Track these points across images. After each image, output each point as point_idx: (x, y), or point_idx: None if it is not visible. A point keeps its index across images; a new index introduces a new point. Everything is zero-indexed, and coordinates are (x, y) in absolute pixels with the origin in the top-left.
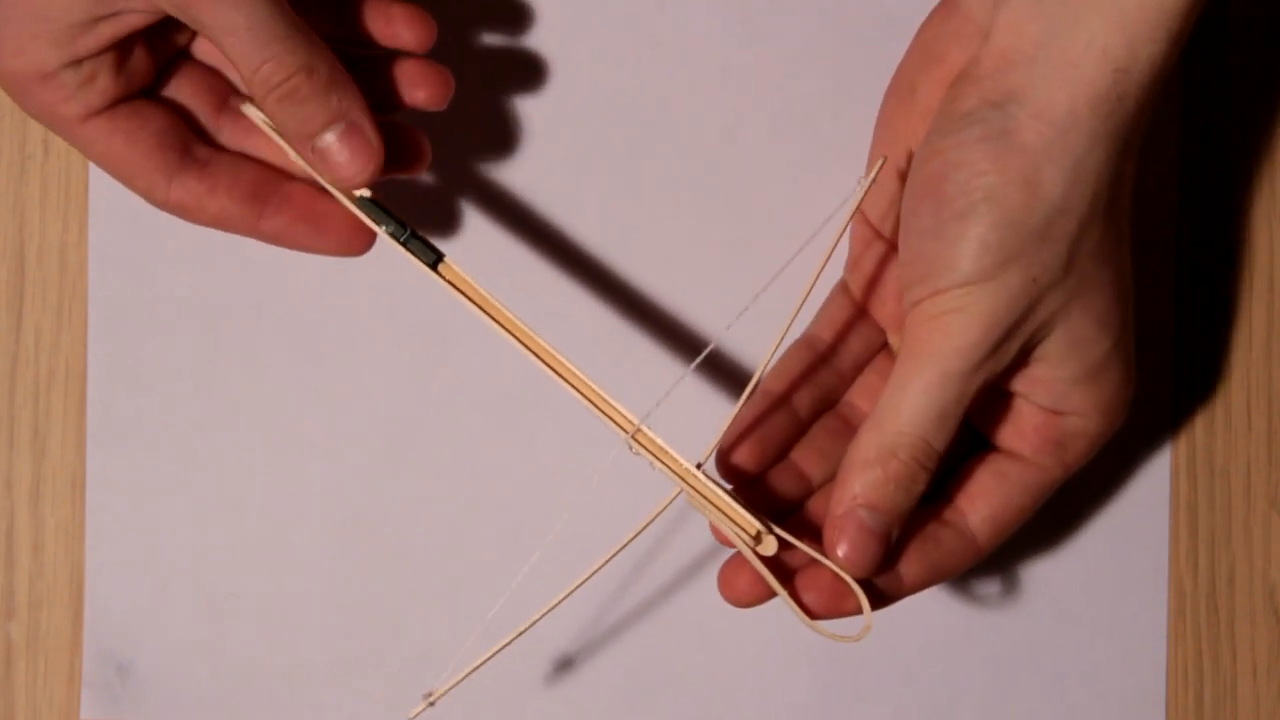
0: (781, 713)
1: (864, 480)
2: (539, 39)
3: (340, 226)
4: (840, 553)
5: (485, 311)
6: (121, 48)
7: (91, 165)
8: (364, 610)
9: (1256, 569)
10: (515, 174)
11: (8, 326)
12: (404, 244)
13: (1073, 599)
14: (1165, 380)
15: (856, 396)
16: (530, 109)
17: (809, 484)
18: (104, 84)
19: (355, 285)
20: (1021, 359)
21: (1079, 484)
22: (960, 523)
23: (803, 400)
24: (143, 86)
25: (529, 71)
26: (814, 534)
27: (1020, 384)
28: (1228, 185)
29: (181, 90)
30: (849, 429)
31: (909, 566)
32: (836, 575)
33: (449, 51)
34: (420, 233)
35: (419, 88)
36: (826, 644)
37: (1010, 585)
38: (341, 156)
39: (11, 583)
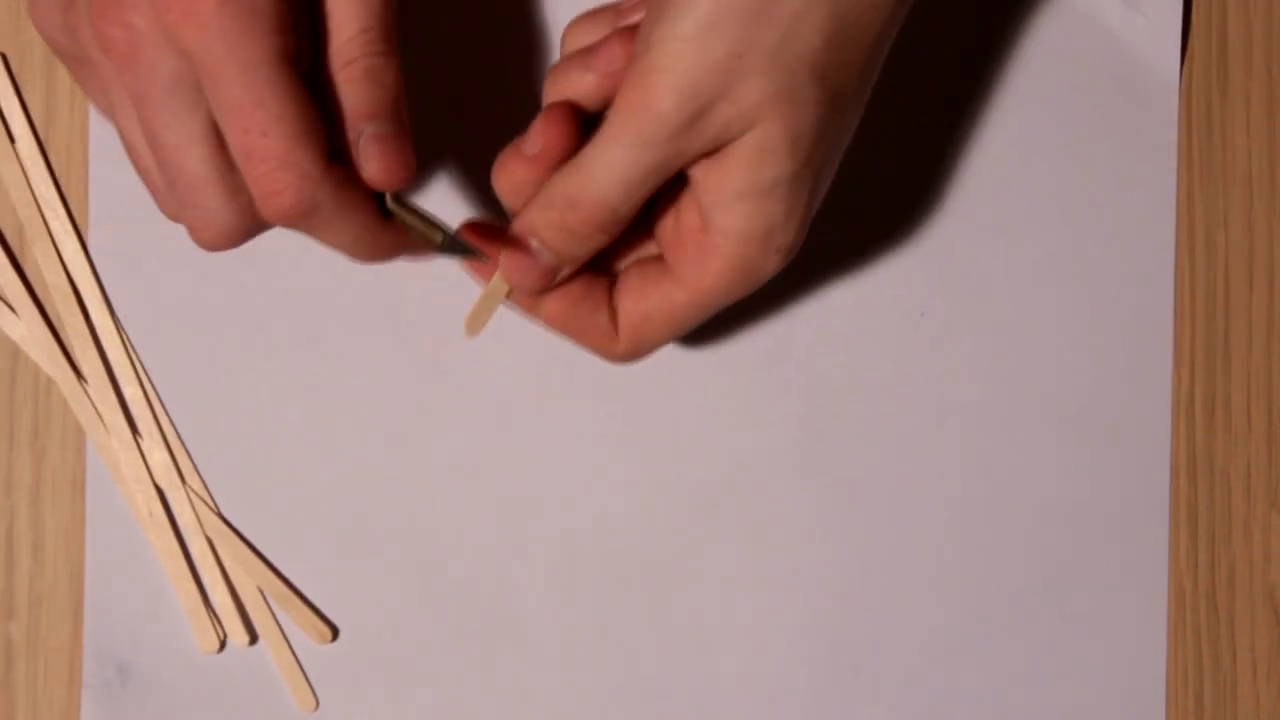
0: (781, 713)
1: (545, 218)
2: (540, 36)
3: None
4: (505, 262)
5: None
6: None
7: (91, 165)
8: (363, 610)
9: (1256, 569)
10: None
11: None
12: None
13: (1073, 599)
14: (1165, 380)
15: None
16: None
17: None
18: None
19: (356, 285)
20: (712, 147)
21: (1079, 483)
22: (612, 306)
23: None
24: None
25: (528, 69)
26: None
27: (698, 173)
28: (1228, 183)
29: None
30: None
31: (554, 304)
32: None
33: (448, 50)
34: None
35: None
36: (826, 644)
37: (1010, 585)
38: (382, 150)
39: (11, 583)
